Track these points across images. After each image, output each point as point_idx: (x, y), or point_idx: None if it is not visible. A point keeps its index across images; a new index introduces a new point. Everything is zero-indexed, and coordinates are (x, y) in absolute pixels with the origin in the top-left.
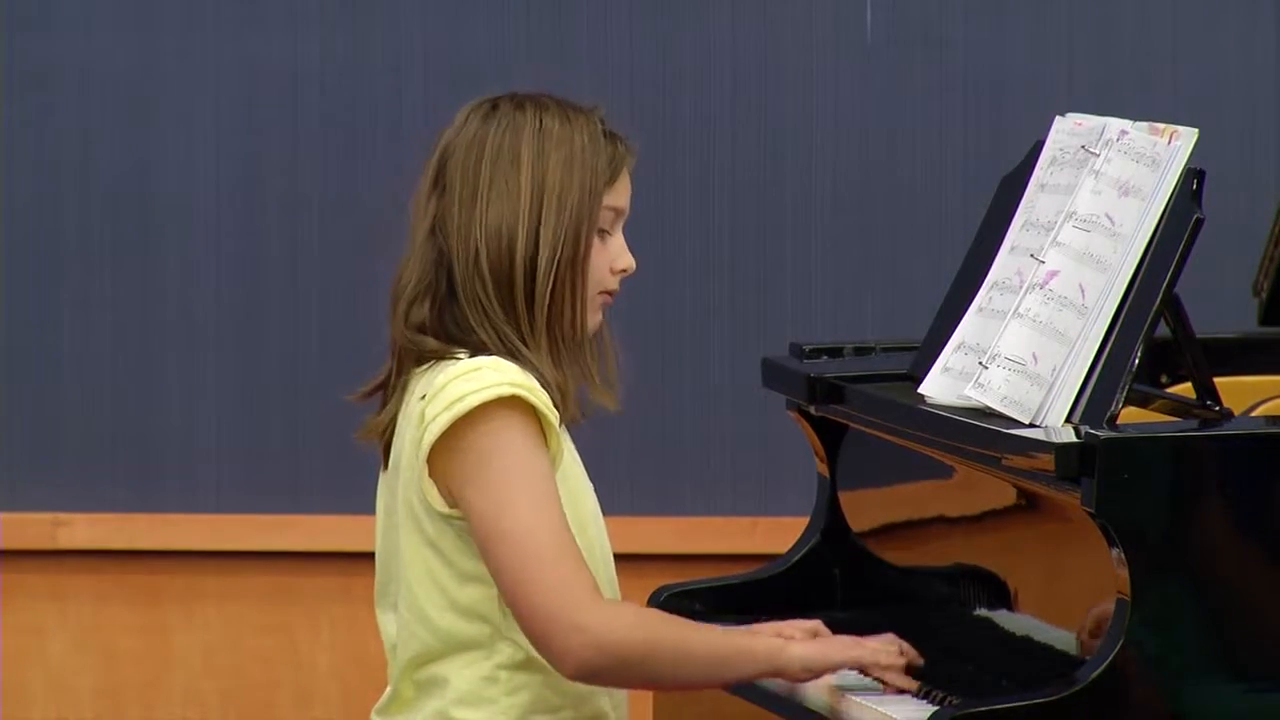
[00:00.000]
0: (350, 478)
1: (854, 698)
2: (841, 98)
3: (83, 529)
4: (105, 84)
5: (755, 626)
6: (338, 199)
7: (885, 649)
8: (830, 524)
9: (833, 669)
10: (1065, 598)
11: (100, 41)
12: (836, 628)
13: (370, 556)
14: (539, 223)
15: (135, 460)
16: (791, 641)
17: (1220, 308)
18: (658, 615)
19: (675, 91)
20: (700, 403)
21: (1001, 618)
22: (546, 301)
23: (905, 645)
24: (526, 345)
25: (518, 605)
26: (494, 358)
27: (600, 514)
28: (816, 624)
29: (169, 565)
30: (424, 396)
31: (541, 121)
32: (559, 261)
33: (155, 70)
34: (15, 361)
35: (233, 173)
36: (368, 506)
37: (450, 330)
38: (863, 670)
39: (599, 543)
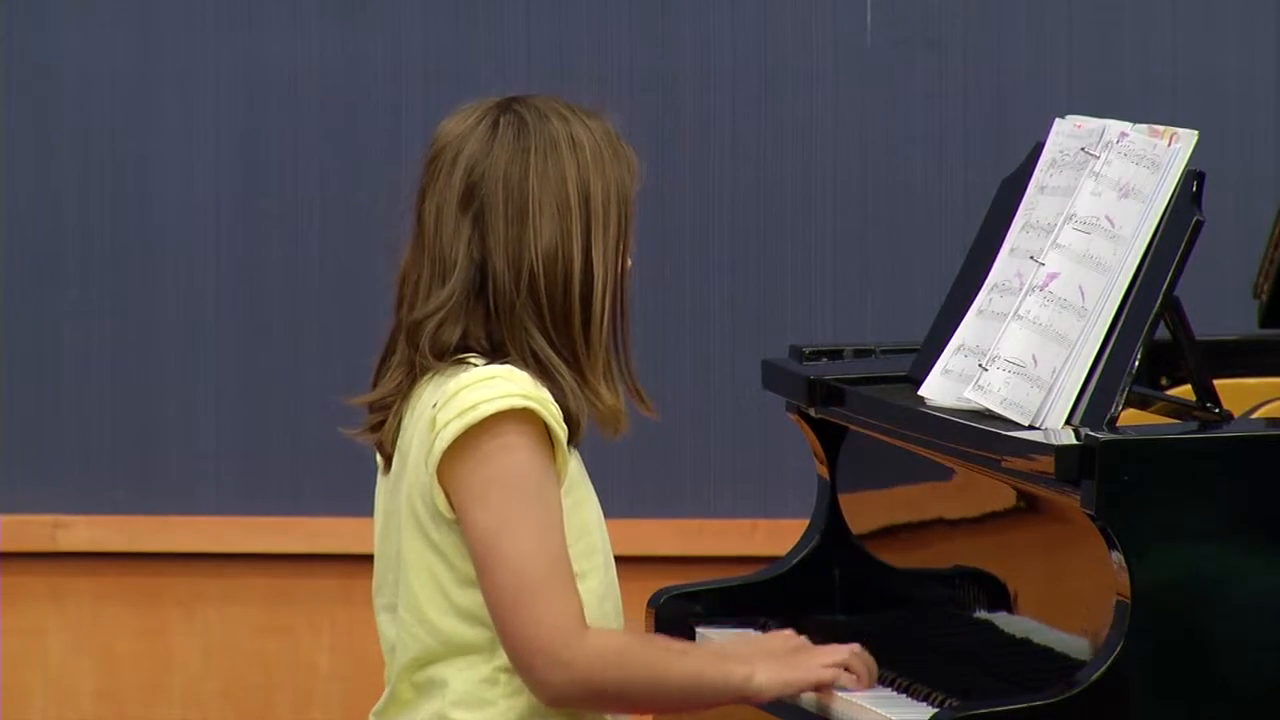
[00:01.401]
0: (350, 480)
1: (852, 699)
2: (841, 99)
3: (83, 531)
4: (105, 83)
5: (732, 644)
6: (337, 199)
7: (848, 661)
8: (830, 526)
9: (796, 693)
10: (1065, 600)
11: (100, 41)
12: (835, 631)
13: (370, 558)
14: (589, 242)
15: (135, 462)
16: (757, 672)
17: (1220, 310)
18: (639, 648)
19: (675, 91)
20: (700, 404)
21: (1001, 620)
22: (604, 321)
23: (867, 657)
24: (582, 367)
25: (505, 631)
26: (508, 366)
27: (603, 521)
28: (788, 635)
29: (169, 567)
30: (435, 404)
31: (573, 134)
32: (609, 277)
33: (155, 70)
34: (15, 363)
35: (232, 173)
36: (368, 509)
37: (472, 346)
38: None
39: (602, 549)
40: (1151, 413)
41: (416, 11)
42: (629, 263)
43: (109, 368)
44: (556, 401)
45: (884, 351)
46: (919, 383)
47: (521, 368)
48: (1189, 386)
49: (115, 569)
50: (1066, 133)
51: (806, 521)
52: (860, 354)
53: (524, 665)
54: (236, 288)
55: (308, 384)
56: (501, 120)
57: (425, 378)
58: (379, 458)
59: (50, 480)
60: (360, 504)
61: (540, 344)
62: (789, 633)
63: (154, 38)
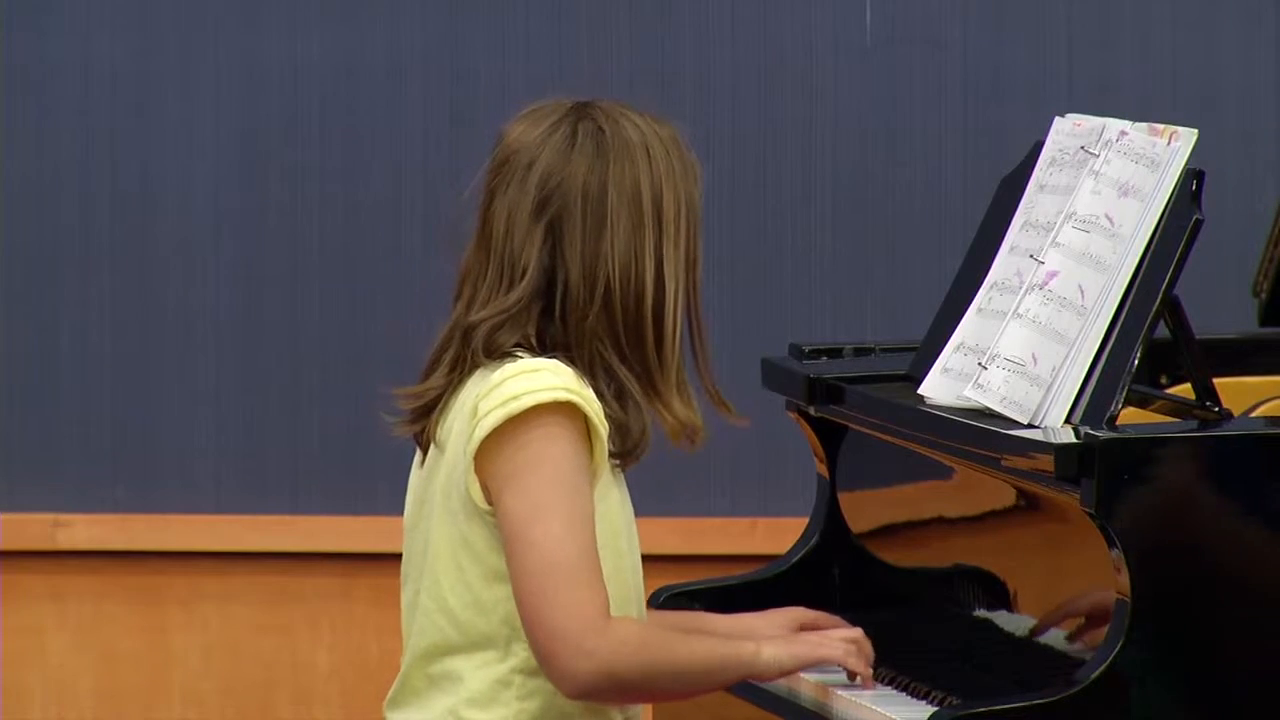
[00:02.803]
0: (350, 479)
1: (854, 698)
2: (841, 98)
3: (82, 529)
4: (105, 83)
5: (745, 618)
6: (336, 197)
7: (850, 643)
8: (830, 525)
9: (803, 668)
10: (1065, 598)
11: (100, 41)
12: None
13: (370, 557)
14: (661, 254)
15: (135, 461)
16: (763, 648)
17: (1220, 308)
18: (658, 636)
19: (675, 91)
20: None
21: (1001, 618)
22: (676, 333)
23: (867, 644)
24: (654, 379)
25: (530, 617)
26: (554, 360)
27: (635, 529)
28: (798, 614)
29: (168, 566)
30: (479, 394)
31: (647, 144)
32: (680, 289)
33: (155, 70)
34: (15, 362)
35: (232, 172)
36: (368, 507)
37: (520, 344)
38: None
39: (629, 555)
40: (1151, 411)
41: (416, 11)
42: (699, 272)
43: (109, 366)
44: (615, 417)
45: (884, 350)
46: (919, 381)
47: (583, 372)
48: (1188, 385)
49: (115, 568)
50: (1066, 131)
51: (806, 520)
52: (860, 352)
53: (547, 652)
54: (236, 286)
55: (307, 383)
56: (580, 128)
57: (472, 373)
58: (418, 451)
59: (50, 479)
60: (360, 503)
61: (611, 356)
62: (801, 610)
63: (153, 36)
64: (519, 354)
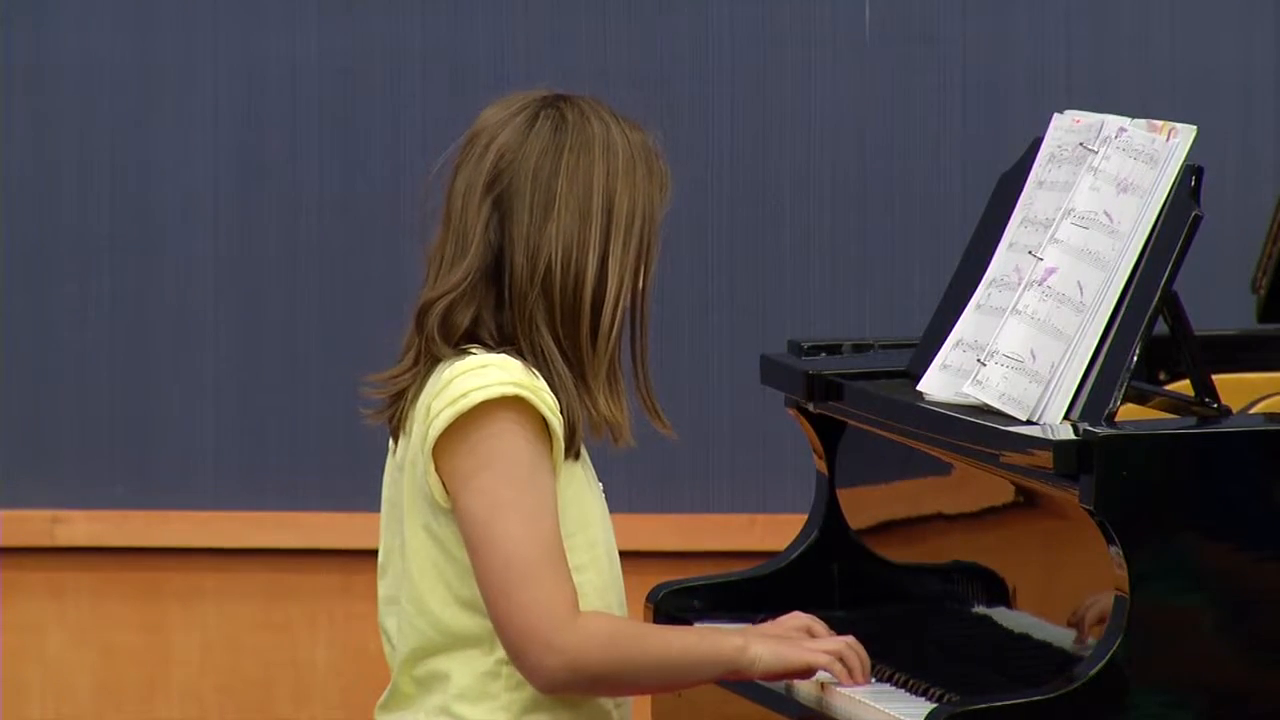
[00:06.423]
0: (348, 475)
1: (851, 694)
2: (840, 96)
3: (81, 526)
4: (104, 82)
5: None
6: (335, 195)
7: (842, 651)
8: (829, 521)
9: (791, 672)
10: (1063, 595)
11: (99, 39)
12: (833, 626)
13: (369, 554)
14: (606, 251)
15: (134, 457)
16: (751, 644)
17: (1218, 305)
18: (629, 629)
19: (674, 90)
20: (699, 400)
21: (1000, 615)
22: (613, 333)
23: (862, 651)
24: (584, 371)
25: (498, 616)
26: (502, 355)
27: (608, 516)
28: (809, 621)
29: (167, 562)
30: (431, 394)
31: (609, 140)
32: (623, 291)
33: (154, 68)
34: (14, 359)
35: (231, 170)
36: (366, 504)
37: (481, 335)
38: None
39: (604, 543)
40: (1150, 408)
41: (415, 9)
42: (649, 281)
43: (107, 363)
44: (558, 399)
45: (882, 346)
46: (917, 378)
47: (528, 359)
48: (1187, 381)
49: (114, 564)
50: (1065, 128)
51: (805, 516)
52: (859, 349)
53: (516, 650)
54: (234, 283)
55: (306, 379)
56: (541, 114)
57: (432, 366)
58: (391, 441)
59: (49, 475)
60: (358, 499)
61: (547, 340)
62: (795, 614)
63: (152, 34)
64: (473, 349)
